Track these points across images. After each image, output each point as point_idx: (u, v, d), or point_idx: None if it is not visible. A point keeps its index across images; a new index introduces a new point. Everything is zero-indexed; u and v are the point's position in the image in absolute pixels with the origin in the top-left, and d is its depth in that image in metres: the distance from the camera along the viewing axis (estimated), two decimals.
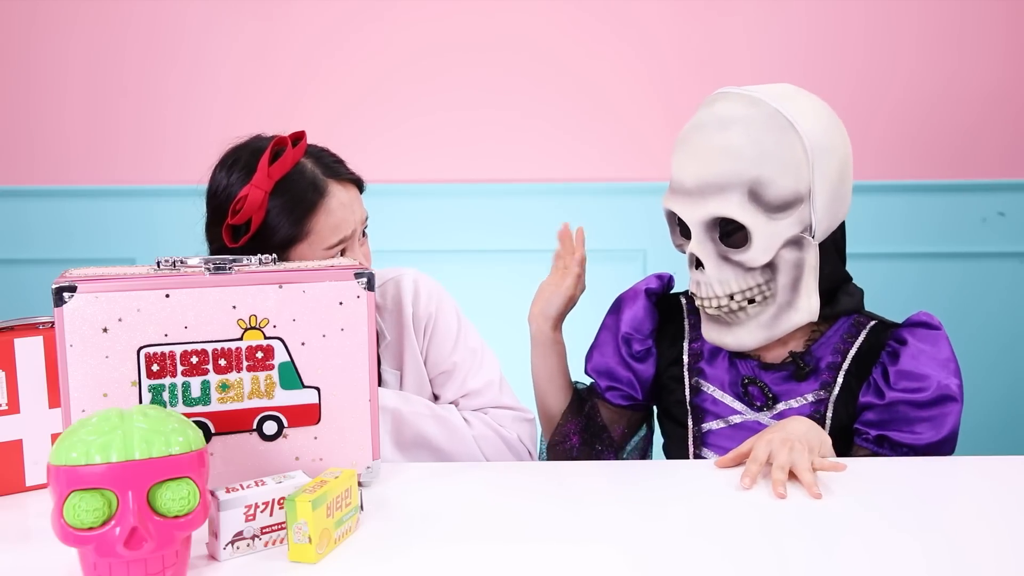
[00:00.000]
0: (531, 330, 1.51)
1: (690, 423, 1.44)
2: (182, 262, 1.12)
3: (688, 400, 1.45)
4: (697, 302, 1.37)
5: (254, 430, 1.12)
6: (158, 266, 1.12)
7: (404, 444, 1.41)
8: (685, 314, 1.49)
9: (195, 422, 1.06)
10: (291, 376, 1.12)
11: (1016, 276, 2.32)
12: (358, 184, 1.43)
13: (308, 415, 1.14)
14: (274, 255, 1.18)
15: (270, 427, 1.13)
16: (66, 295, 1.05)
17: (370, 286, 1.14)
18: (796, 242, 1.31)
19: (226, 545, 0.98)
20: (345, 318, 1.13)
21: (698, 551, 0.99)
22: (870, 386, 1.35)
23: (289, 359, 1.12)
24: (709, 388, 1.43)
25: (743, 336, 1.35)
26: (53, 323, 1.07)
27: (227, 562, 0.98)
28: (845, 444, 1.37)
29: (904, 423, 1.32)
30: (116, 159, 2.38)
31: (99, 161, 2.38)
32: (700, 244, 1.33)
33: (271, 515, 1.00)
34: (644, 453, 1.58)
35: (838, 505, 1.11)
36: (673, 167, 1.35)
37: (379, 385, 1.43)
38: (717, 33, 2.29)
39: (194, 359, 1.09)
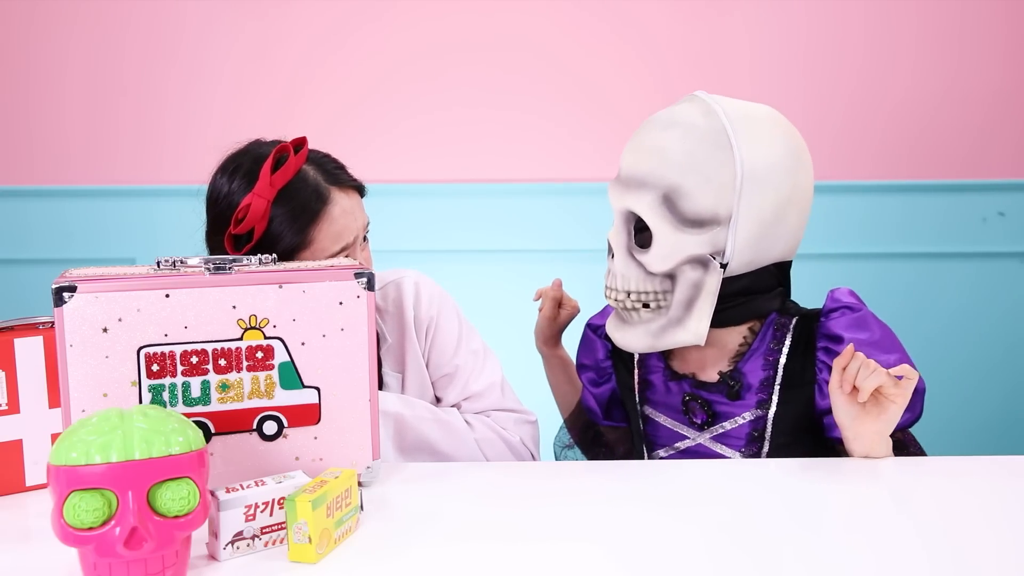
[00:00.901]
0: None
1: (645, 452, 1.45)
2: (182, 262, 1.12)
3: (643, 430, 1.45)
4: (604, 291, 1.37)
5: (254, 430, 1.12)
6: (158, 266, 1.12)
7: (406, 448, 1.41)
8: None
9: (195, 422, 1.06)
10: (291, 376, 1.12)
11: (1016, 276, 2.32)
12: (360, 190, 1.42)
13: (308, 415, 1.14)
14: (274, 255, 1.18)
15: (270, 427, 1.13)
16: (66, 295, 1.04)
17: (370, 286, 1.14)
18: (702, 262, 1.28)
19: (226, 545, 0.98)
20: (345, 318, 1.13)
21: (698, 550, 0.99)
22: (824, 394, 1.31)
23: (289, 359, 1.12)
24: (657, 416, 1.43)
25: (631, 338, 1.34)
26: (53, 323, 1.07)
27: (227, 562, 0.98)
28: (798, 449, 1.34)
29: None
30: (115, 159, 2.38)
31: (98, 161, 2.38)
32: (616, 233, 1.34)
33: (271, 515, 1.00)
34: None
35: (837, 505, 1.12)
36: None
37: (380, 388, 1.43)
38: (717, 33, 2.29)
39: (194, 359, 1.09)
